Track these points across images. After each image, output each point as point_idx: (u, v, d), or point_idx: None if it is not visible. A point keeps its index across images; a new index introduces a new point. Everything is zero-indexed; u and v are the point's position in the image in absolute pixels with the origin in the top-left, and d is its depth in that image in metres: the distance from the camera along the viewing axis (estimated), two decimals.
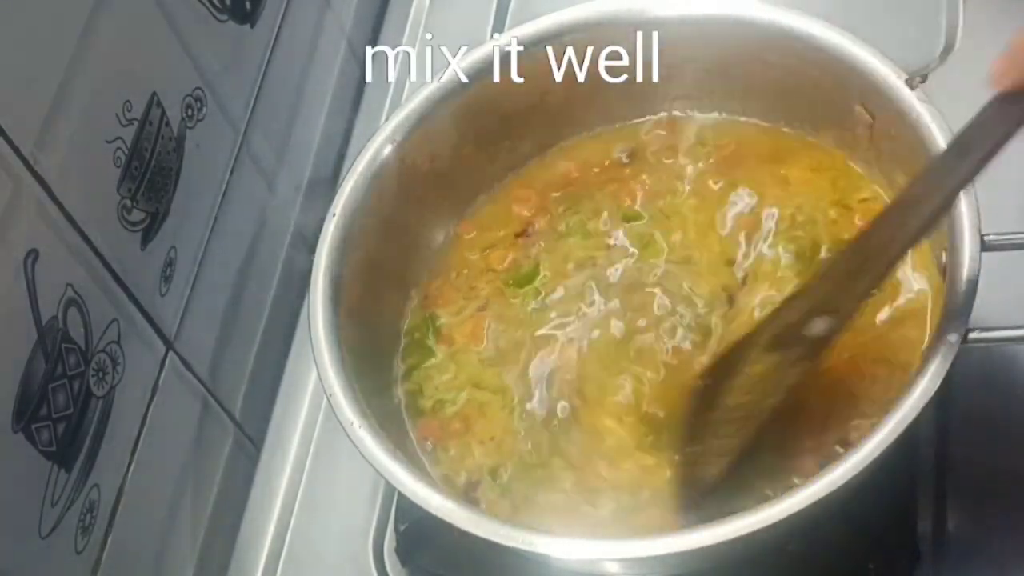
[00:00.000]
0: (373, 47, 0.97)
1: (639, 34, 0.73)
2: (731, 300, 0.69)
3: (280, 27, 0.85)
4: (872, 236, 0.61)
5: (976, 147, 0.56)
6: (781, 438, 0.64)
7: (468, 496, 0.66)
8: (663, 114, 0.76)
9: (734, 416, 0.64)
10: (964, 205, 0.61)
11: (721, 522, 0.57)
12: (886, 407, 0.58)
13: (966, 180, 0.58)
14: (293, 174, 0.88)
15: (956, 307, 0.59)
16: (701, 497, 0.64)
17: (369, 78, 0.95)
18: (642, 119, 0.76)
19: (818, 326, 0.61)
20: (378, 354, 0.71)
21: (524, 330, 0.71)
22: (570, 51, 0.73)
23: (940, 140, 0.63)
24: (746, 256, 0.70)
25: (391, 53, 0.95)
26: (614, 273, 0.71)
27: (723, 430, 0.64)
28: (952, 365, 0.58)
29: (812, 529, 0.61)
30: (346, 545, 0.76)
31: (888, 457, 0.56)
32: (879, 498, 0.64)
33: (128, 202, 0.68)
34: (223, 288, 0.80)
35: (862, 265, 0.60)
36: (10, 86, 0.58)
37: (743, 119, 0.75)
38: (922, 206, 0.58)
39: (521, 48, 0.73)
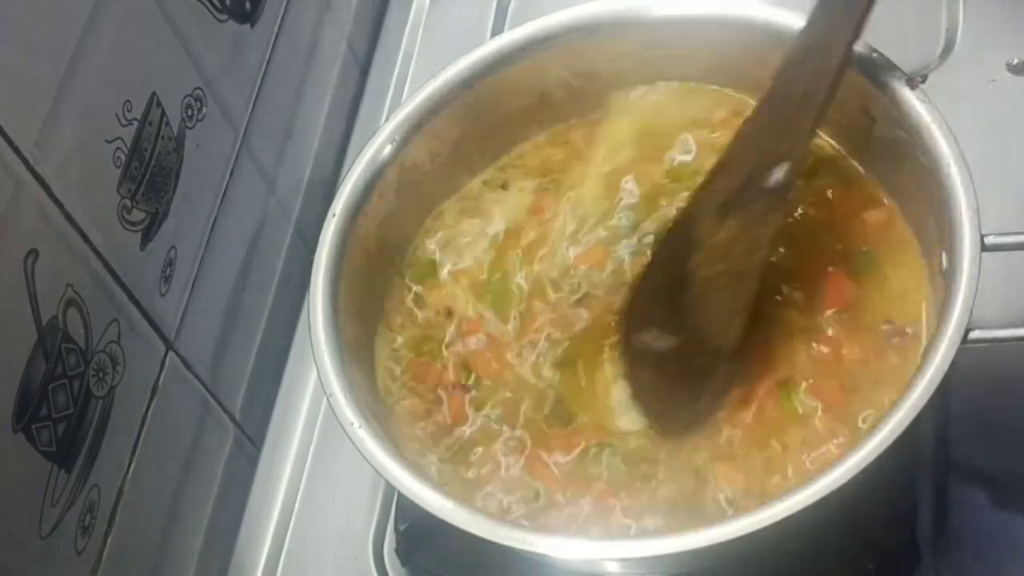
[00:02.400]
0: (373, 47, 0.97)
1: (639, 34, 0.73)
2: None
3: (280, 27, 0.85)
4: (787, 88, 0.63)
5: None
6: None
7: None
8: None
9: (720, 283, 0.65)
10: (964, 205, 0.61)
11: (721, 522, 0.57)
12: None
13: (868, 10, 0.61)
14: (293, 174, 0.88)
15: (956, 307, 0.59)
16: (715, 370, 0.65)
17: (369, 78, 0.95)
18: None
19: (778, 174, 0.63)
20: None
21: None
22: (570, 51, 0.73)
23: (940, 140, 0.63)
24: None
25: (391, 53, 0.95)
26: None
27: (715, 299, 0.65)
28: (952, 365, 0.58)
29: (812, 529, 0.61)
30: (346, 545, 0.76)
31: (888, 457, 0.56)
32: (879, 498, 0.64)
33: (128, 202, 0.68)
34: (223, 288, 0.80)
35: (793, 114, 0.63)
36: (10, 86, 0.58)
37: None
38: (833, 46, 0.61)
39: (521, 48, 0.73)
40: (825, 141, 0.72)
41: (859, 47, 0.67)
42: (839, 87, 0.63)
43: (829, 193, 0.70)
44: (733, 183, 0.64)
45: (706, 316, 0.66)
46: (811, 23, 0.63)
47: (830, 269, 0.68)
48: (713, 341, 0.66)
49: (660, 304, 0.67)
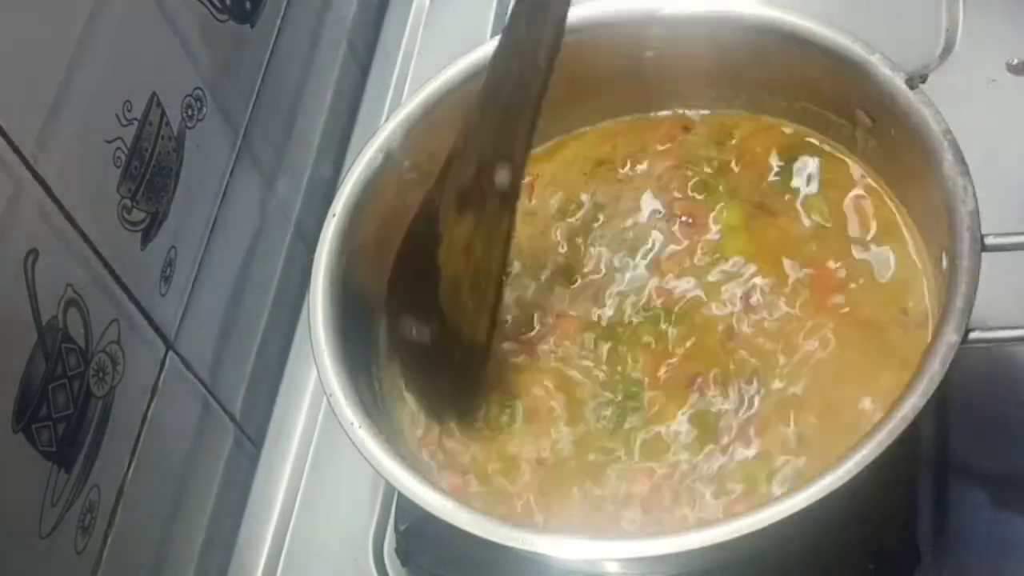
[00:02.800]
0: (373, 47, 0.97)
1: (638, 34, 0.73)
2: None
3: (280, 27, 0.85)
4: (500, 89, 0.64)
5: None
6: None
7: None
8: (662, 114, 0.76)
9: (466, 281, 0.65)
10: (964, 205, 0.61)
11: (721, 522, 0.57)
12: (884, 406, 0.58)
13: (564, 11, 0.62)
14: (293, 174, 0.88)
15: (956, 307, 0.59)
16: (469, 368, 0.67)
17: (369, 78, 0.95)
18: (641, 118, 0.76)
19: (501, 177, 0.63)
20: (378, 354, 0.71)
21: None
22: (570, 50, 0.73)
23: (940, 140, 0.63)
24: None
25: (391, 53, 0.95)
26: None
27: (464, 295, 0.65)
28: (952, 365, 0.58)
29: (812, 529, 0.61)
30: (346, 545, 0.76)
31: (888, 457, 0.56)
32: (879, 498, 0.64)
33: (128, 202, 0.68)
34: (223, 288, 0.80)
35: (509, 116, 0.63)
36: (10, 86, 0.58)
37: (742, 119, 0.75)
38: (536, 49, 0.62)
39: None
40: (825, 140, 0.72)
41: (859, 47, 0.67)
42: (546, 92, 0.63)
43: (826, 192, 0.71)
44: (466, 174, 0.64)
45: (456, 311, 0.66)
46: (509, 26, 0.64)
47: (830, 266, 0.68)
48: (465, 338, 0.66)
49: (415, 293, 0.67)
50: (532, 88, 0.63)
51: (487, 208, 0.64)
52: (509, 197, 0.64)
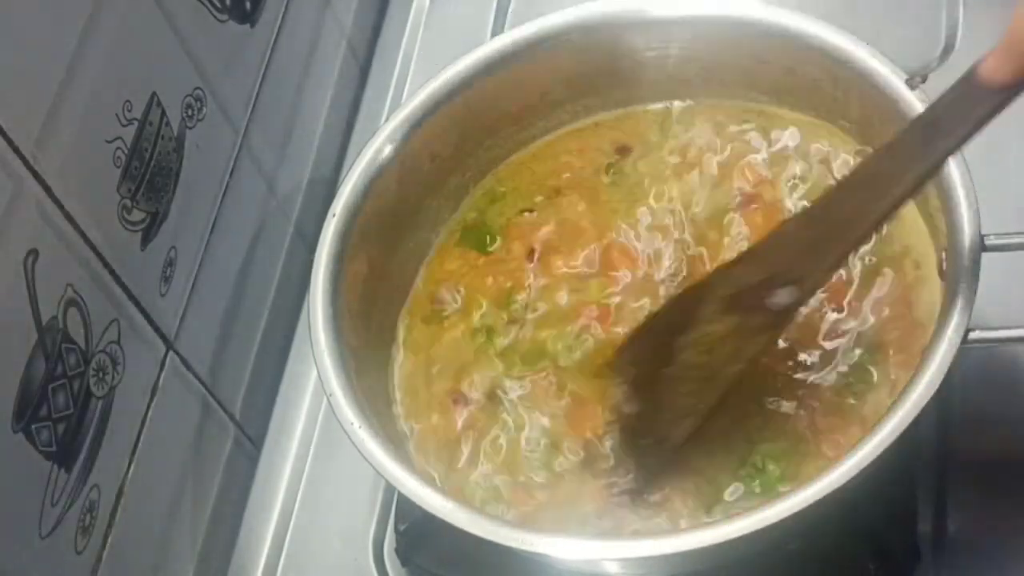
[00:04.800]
0: (373, 47, 0.97)
1: (639, 34, 0.73)
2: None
3: (280, 27, 0.85)
4: (836, 207, 0.60)
5: (950, 131, 0.56)
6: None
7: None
8: (662, 111, 0.76)
9: (693, 375, 0.63)
10: (964, 205, 0.61)
11: (721, 522, 0.57)
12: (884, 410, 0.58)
13: (938, 164, 0.57)
14: (293, 174, 0.88)
15: (956, 307, 0.59)
16: (655, 457, 0.64)
17: (369, 78, 0.95)
18: (641, 118, 0.76)
19: (781, 297, 0.59)
20: (378, 354, 0.71)
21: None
22: (570, 51, 0.73)
23: None
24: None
25: (391, 53, 0.95)
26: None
27: (683, 388, 0.63)
28: (952, 365, 0.58)
29: (812, 529, 0.61)
30: (346, 545, 0.76)
31: (888, 457, 0.56)
32: (879, 498, 0.65)
33: (128, 202, 0.68)
34: (223, 288, 0.80)
35: (827, 237, 0.59)
36: (10, 86, 0.58)
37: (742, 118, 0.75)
38: (891, 186, 0.57)
39: (520, 48, 0.73)
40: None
41: (859, 47, 0.67)
42: (881, 229, 0.61)
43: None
44: (749, 279, 0.61)
45: (668, 400, 0.64)
46: (885, 150, 0.59)
47: None
48: (662, 428, 0.64)
49: (641, 363, 0.65)
50: (864, 224, 0.58)
51: (753, 320, 0.60)
52: (780, 319, 0.61)
